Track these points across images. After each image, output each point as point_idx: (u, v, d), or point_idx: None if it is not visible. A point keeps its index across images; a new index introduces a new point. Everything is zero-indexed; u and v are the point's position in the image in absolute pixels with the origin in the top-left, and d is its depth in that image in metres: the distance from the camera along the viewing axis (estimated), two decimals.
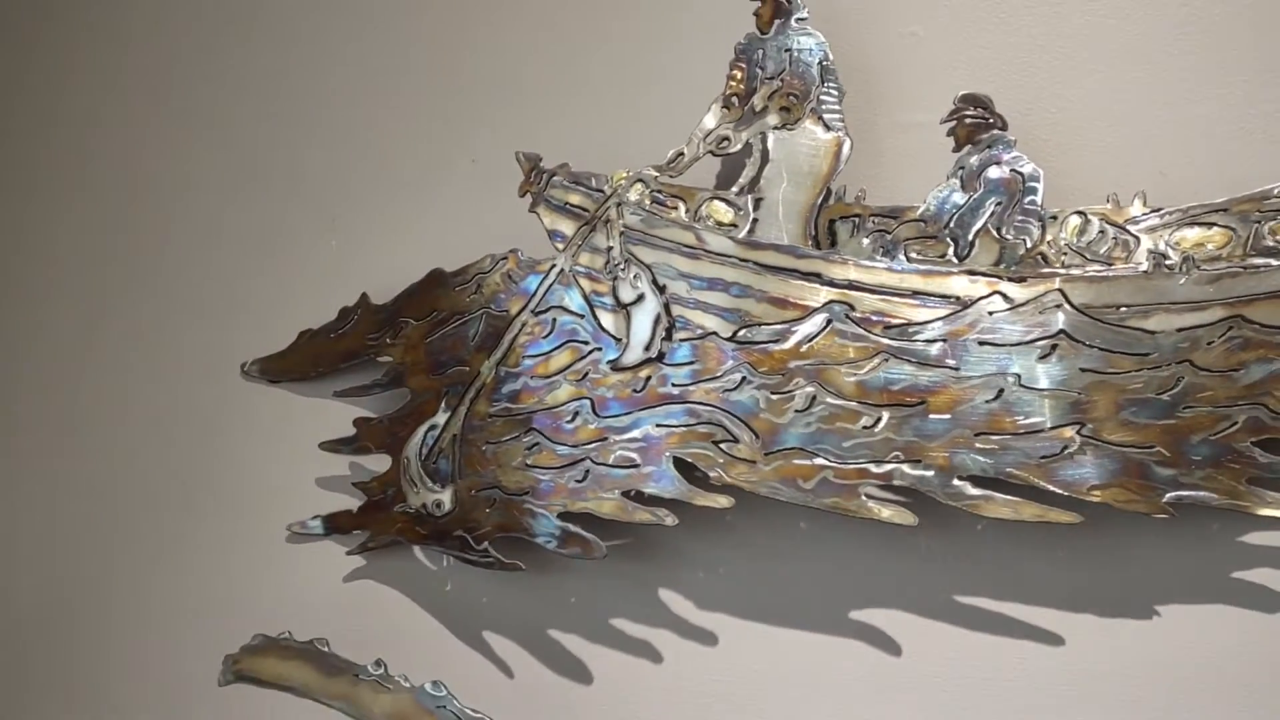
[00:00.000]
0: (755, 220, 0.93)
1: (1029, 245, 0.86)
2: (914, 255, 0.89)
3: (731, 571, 0.97)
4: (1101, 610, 0.88)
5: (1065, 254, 0.86)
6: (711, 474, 0.90)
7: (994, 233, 0.87)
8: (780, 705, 0.94)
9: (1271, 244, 0.83)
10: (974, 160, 0.89)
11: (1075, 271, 0.85)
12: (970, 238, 0.88)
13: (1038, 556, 0.89)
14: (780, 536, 0.95)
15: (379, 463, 1.07)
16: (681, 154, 0.95)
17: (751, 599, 0.96)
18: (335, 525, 1.09)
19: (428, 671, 0.97)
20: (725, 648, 0.96)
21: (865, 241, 0.91)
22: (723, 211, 0.95)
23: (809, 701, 0.93)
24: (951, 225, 0.89)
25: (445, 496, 0.99)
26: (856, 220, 0.92)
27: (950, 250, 0.88)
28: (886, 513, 0.86)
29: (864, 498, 0.87)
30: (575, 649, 1.01)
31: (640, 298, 0.93)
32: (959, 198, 0.89)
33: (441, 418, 1.00)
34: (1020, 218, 0.87)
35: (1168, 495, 0.81)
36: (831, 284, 0.89)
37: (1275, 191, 0.83)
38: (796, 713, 0.94)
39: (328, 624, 1.04)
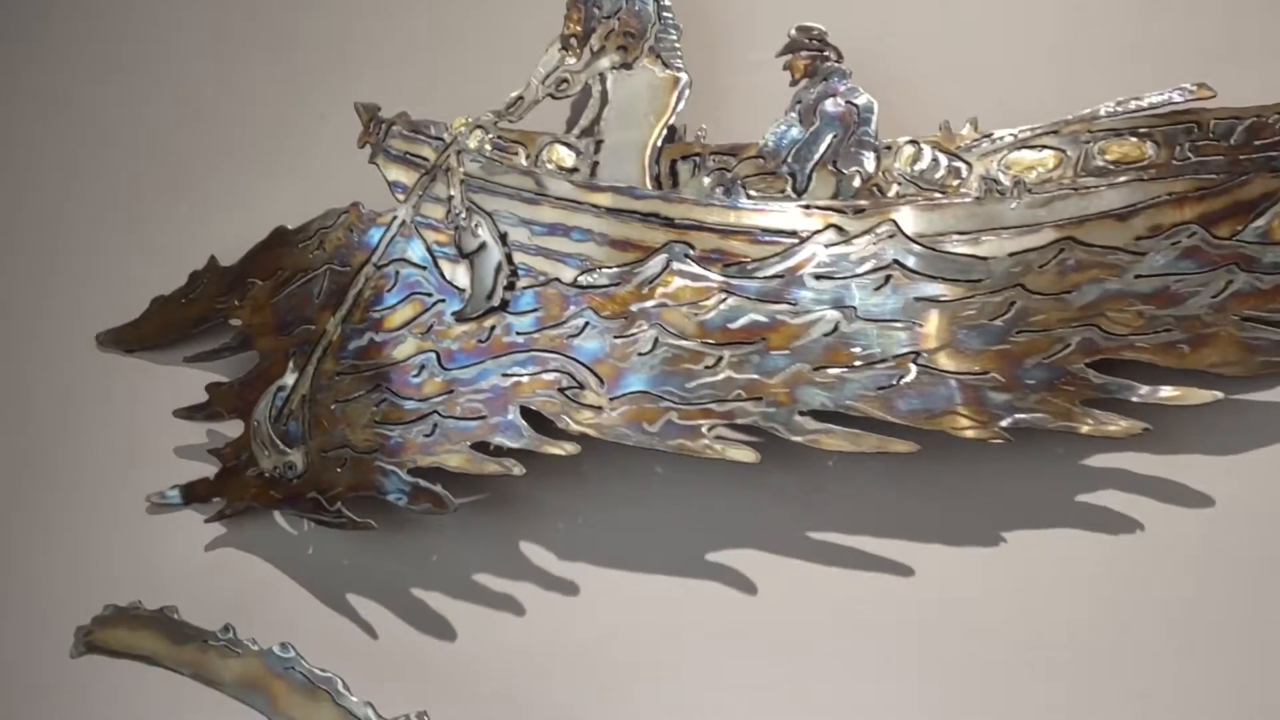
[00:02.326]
0: (596, 163, 0.91)
1: (864, 177, 0.86)
2: (753, 192, 0.88)
3: (590, 520, 0.96)
4: (950, 538, 0.88)
5: (900, 184, 0.86)
6: (559, 422, 0.89)
7: (831, 166, 0.87)
8: (642, 651, 0.93)
9: (1101, 164, 0.83)
10: (811, 94, 0.88)
11: (909, 201, 0.84)
12: (808, 172, 0.87)
13: (887, 488, 0.89)
14: (636, 483, 0.94)
15: (235, 428, 1.05)
16: (520, 98, 0.93)
17: (610, 547, 0.95)
18: (193, 494, 1.07)
19: (291, 635, 0.95)
20: (586, 597, 0.96)
21: (706, 180, 0.90)
22: (564, 155, 0.93)
23: (670, 646, 0.93)
24: (789, 160, 0.88)
25: (297, 458, 0.97)
26: (697, 159, 0.91)
27: (789, 185, 0.88)
28: (731, 452, 0.86)
29: (708, 438, 0.86)
30: (438, 606, 0.99)
31: (482, 246, 0.92)
32: (796, 132, 0.88)
33: (290, 378, 0.98)
34: (855, 150, 0.86)
35: (1003, 421, 0.81)
36: (670, 224, 0.88)
37: (1103, 112, 0.83)
38: (658, 658, 0.93)
39: (191, 593, 1.01)
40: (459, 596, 0.99)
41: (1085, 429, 0.80)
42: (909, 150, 0.86)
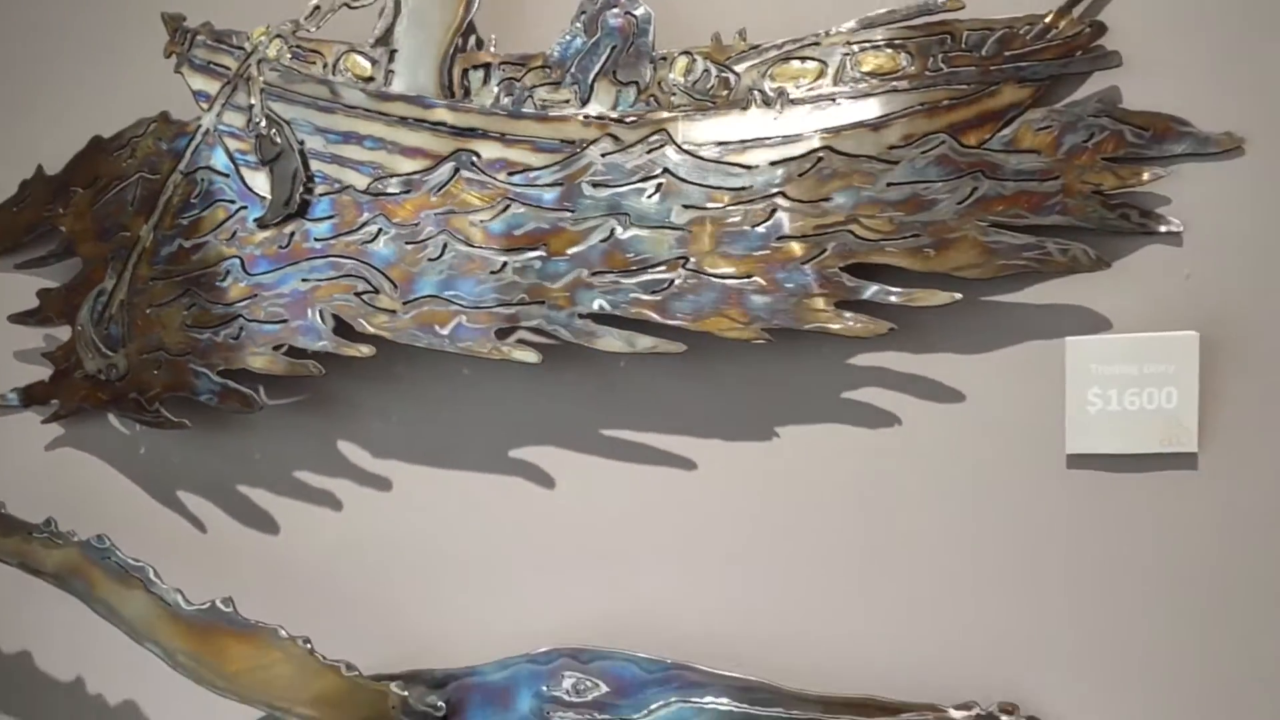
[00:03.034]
0: (390, 72, 0.94)
1: (641, 87, 0.89)
2: (539, 101, 0.91)
3: (402, 420, 1.01)
4: (729, 433, 0.93)
5: (674, 94, 0.89)
6: (355, 325, 0.93)
7: (611, 76, 0.90)
8: (450, 541, 0.99)
9: (858, 76, 0.86)
10: (594, 5, 0.90)
11: (682, 111, 0.88)
12: (589, 82, 0.90)
13: (673, 386, 0.94)
14: (444, 384, 0.99)
15: (66, 332, 1.08)
16: (318, 7, 0.95)
17: (420, 444, 1.00)
18: (31, 396, 1.10)
19: (124, 529, 1.01)
20: (398, 492, 1.01)
21: (496, 89, 0.92)
22: (361, 65, 0.95)
23: (475, 536, 0.98)
24: (573, 70, 0.90)
25: (119, 360, 1.01)
26: (488, 69, 0.93)
27: (573, 95, 0.90)
28: (515, 353, 0.90)
29: (495, 339, 0.90)
30: (262, 502, 1.04)
31: (280, 154, 0.94)
32: (580, 43, 0.90)
33: (109, 283, 1.01)
34: (634, 60, 0.89)
35: (764, 322, 0.86)
36: (457, 133, 0.91)
37: (861, 24, 0.86)
38: (465, 548, 0.99)
39: (29, 490, 1.06)
40: (281, 493, 1.04)
41: (837, 328, 0.85)
42: (683, 61, 0.88)
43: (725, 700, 0.88)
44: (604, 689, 0.90)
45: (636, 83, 0.89)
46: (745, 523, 0.93)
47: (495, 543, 0.98)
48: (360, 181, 0.92)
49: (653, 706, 0.89)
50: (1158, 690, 0.84)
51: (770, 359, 0.91)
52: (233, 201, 0.97)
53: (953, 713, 0.85)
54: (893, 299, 0.84)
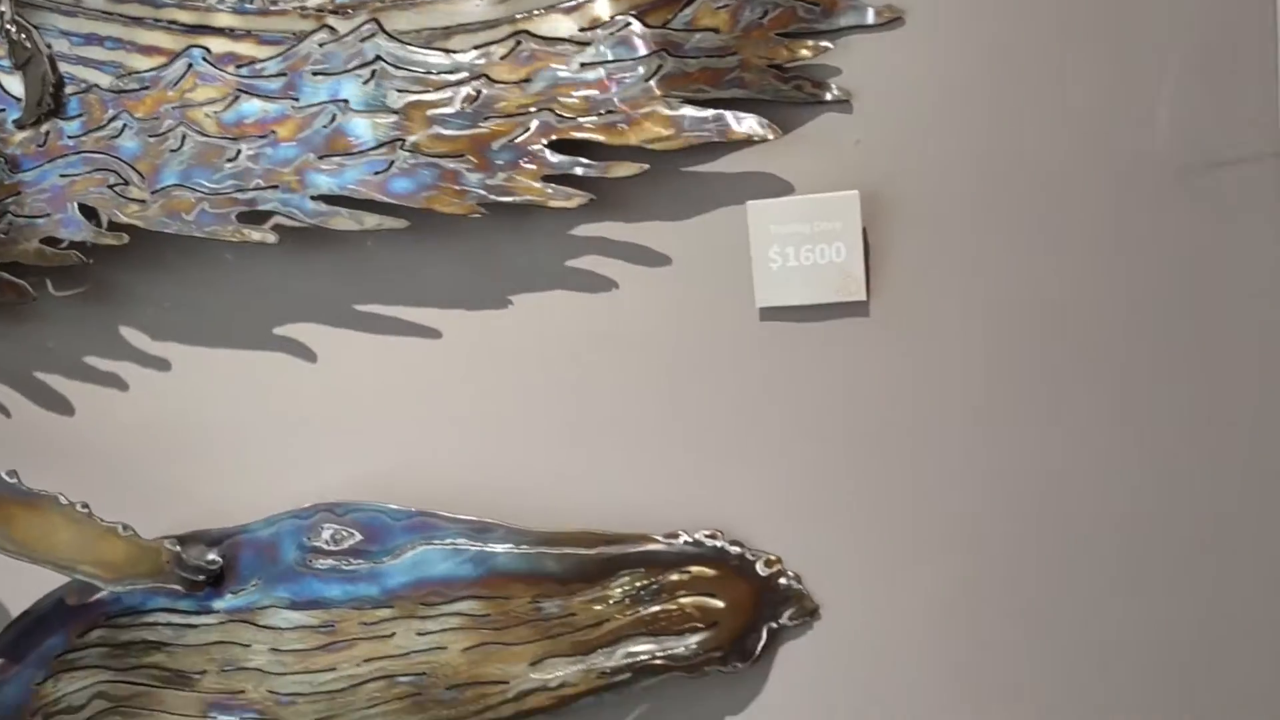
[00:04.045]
0: None
1: None
2: None
3: (176, 304, 1.07)
4: (471, 304, 1.01)
5: None
6: (110, 216, 0.99)
7: None
8: (223, 417, 1.07)
9: None
10: None
11: (391, 1, 0.93)
12: None
13: (419, 263, 1.01)
14: (211, 269, 1.05)
15: None
16: None
17: (193, 327, 1.07)
18: None
19: None
20: (177, 372, 1.08)
21: None
22: None
23: (248, 412, 1.06)
24: None
25: None
26: None
27: None
28: (254, 234, 0.97)
29: (236, 223, 0.97)
30: (58, 387, 1.11)
31: (31, 58, 0.99)
32: None
33: None
34: None
35: (480, 197, 0.93)
36: (188, 29, 0.96)
37: None
38: (237, 423, 1.07)
39: None
40: (74, 378, 1.11)
41: (543, 201, 0.93)
42: None
43: (463, 540, 0.98)
44: (358, 537, 0.99)
45: None
46: (484, 384, 1.01)
47: (264, 415, 1.06)
48: (104, 80, 0.98)
49: (400, 549, 0.98)
50: (843, 513, 0.94)
51: (502, 233, 0.98)
52: None
53: (660, 540, 0.96)
54: (591, 172, 0.91)
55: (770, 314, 0.94)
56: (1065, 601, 0.91)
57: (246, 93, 0.95)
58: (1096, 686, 0.92)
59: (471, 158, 0.93)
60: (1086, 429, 0.89)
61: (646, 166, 0.91)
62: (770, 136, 0.90)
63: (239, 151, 0.96)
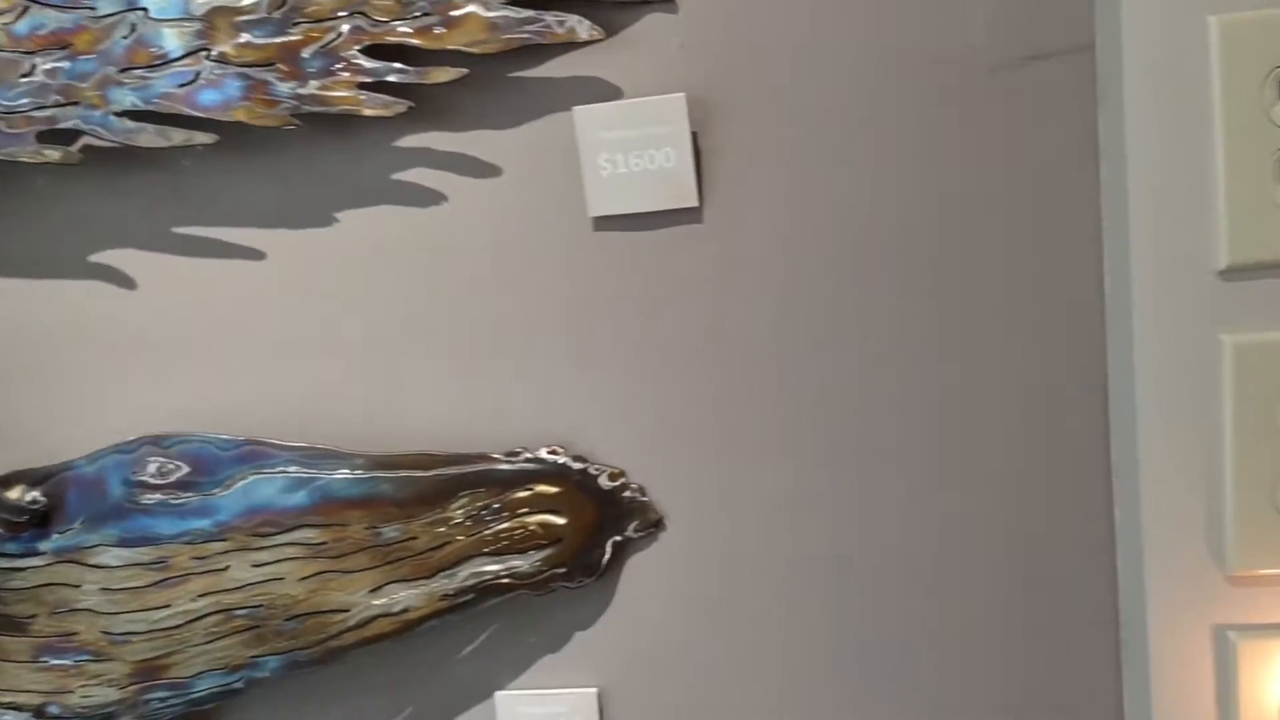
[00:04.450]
0: None
1: None
2: None
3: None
4: (294, 222, 0.97)
5: None
6: None
7: None
8: (40, 355, 1.02)
9: None
10: None
11: None
12: None
13: (241, 179, 0.96)
14: (25, 196, 0.99)
15: None
16: None
17: (14, 257, 1.01)
18: None
19: None
20: (2, 304, 1.03)
21: None
22: None
23: (64, 339, 1.01)
24: None
25: None
26: None
27: None
28: (54, 155, 0.92)
29: (35, 143, 0.91)
30: None
31: None
32: None
33: None
34: None
35: (293, 108, 0.89)
36: None
37: None
38: (61, 356, 1.02)
39: None
40: None
41: (365, 111, 0.89)
42: None
43: (295, 468, 0.94)
44: (185, 469, 0.96)
45: None
46: (311, 305, 0.97)
47: (84, 348, 1.01)
48: None
49: (230, 480, 0.95)
50: (685, 423, 0.93)
51: (323, 146, 0.94)
52: None
53: (500, 458, 0.94)
54: (408, 78, 0.88)
55: (603, 223, 0.92)
56: (904, 501, 0.92)
57: (37, 2, 0.89)
58: (930, 577, 0.93)
59: (282, 66, 0.88)
60: (910, 329, 0.89)
61: (465, 71, 0.87)
62: (594, 38, 0.87)
63: (34, 66, 0.90)
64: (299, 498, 0.94)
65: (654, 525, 0.95)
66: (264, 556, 0.95)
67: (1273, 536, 0.78)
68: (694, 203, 0.89)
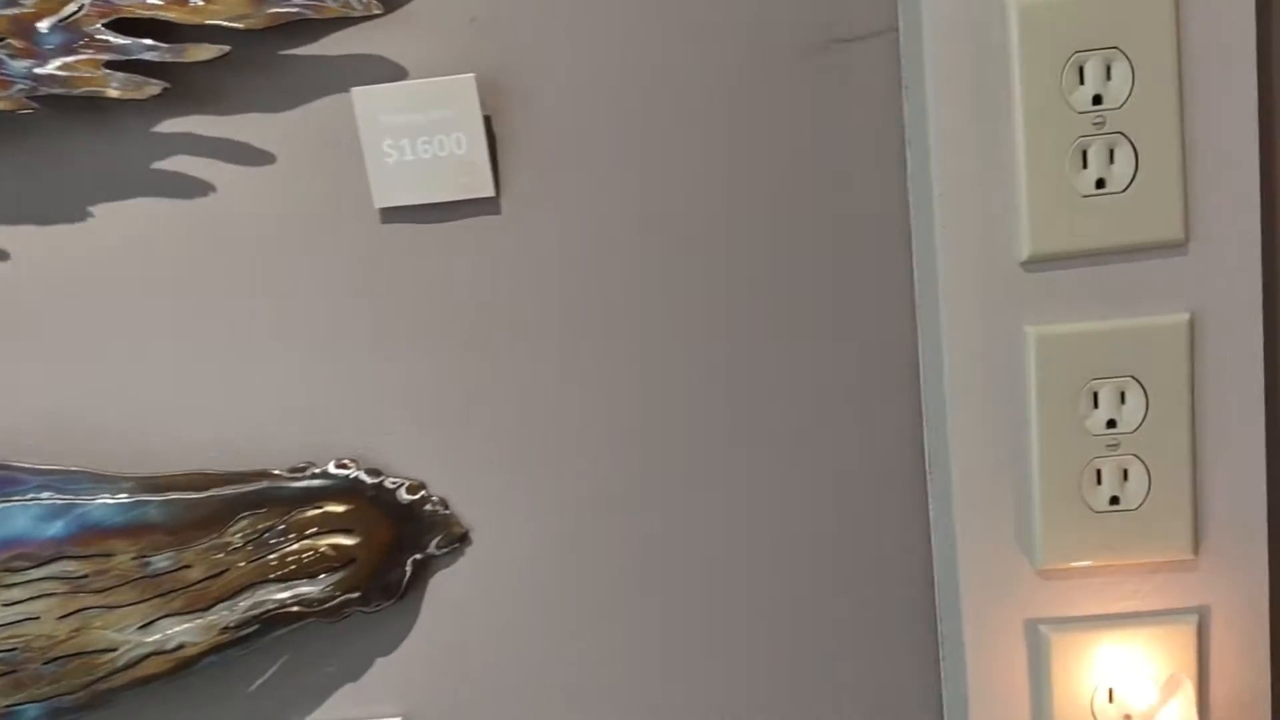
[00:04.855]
0: None
1: None
2: None
3: None
4: (40, 217, 0.86)
5: None
6: None
7: None
8: None
9: None
10: None
11: None
12: None
13: None
14: None
15: None
16: None
17: None
18: None
19: None
20: None
21: None
22: None
23: None
24: None
25: None
26: None
27: None
28: None
29: None
30: None
31: None
32: None
33: None
34: None
35: (29, 89, 0.79)
36: None
37: None
38: None
39: None
40: None
41: (112, 93, 0.79)
42: None
43: (48, 494, 0.84)
44: None
45: None
46: (65, 311, 0.87)
47: None
48: None
49: None
50: (487, 429, 0.87)
51: (73, 133, 0.84)
52: None
53: (283, 475, 0.86)
54: (164, 56, 0.78)
55: (392, 215, 0.85)
56: (713, 502, 0.88)
57: None
58: (744, 578, 0.90)
59: (14, 42, 0.78)
60: (716, 322, 0.85)
61: (228, 49, 0.79)
62: (373, 13, 0.79)
63: None
64: (55, 528, 0.84)
65: (458, 540, 0.88)
66: (16, 594, 0.84)
67: (1081, 529, 0.77)
68: (490, 192, 0.83)
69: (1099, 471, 0.76)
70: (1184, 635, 0.79)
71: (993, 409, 0.78)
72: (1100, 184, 0.72)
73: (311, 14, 0.79)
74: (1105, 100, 0.71)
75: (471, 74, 0.81)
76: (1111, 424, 0.76)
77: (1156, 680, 0.79)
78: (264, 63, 0.82)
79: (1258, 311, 0.74)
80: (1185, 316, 0.74)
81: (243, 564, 0.85)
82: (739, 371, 0.86)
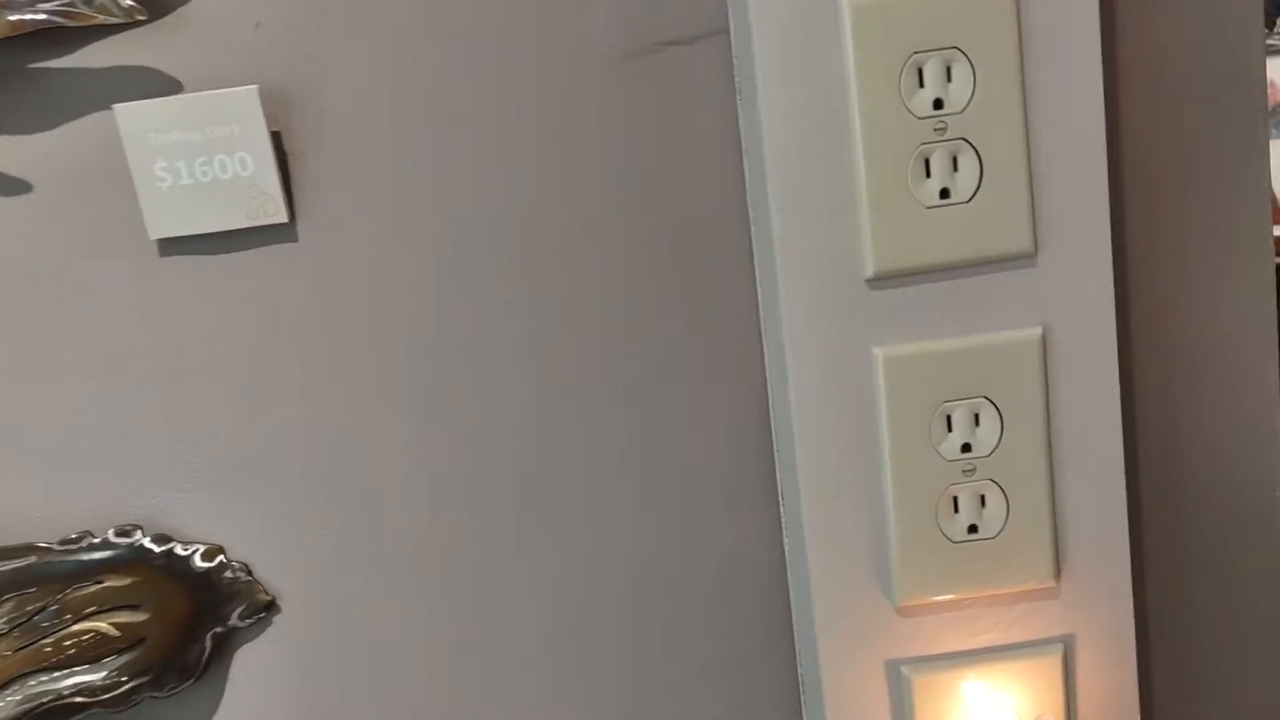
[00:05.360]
0: None
1: None
2: None
3: None
4: None
5: None
6: None
7: None
8: None
9: None
10: None
11: None
12: None
13: None
14: None
15: None
16: None
17: None
18: None
19: None
20: None
21: None
22: None
23: None
24: None
25: None
26: None
27: None
28: None
29: None
30: None
31: None
32: None
33: None
34: None
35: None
36: None
37: None
38: None
39: None
40: None
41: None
42: None
43: None
44: None
45: None
46: None
47: None
48: None
49: None
50: (290, 483, 0.78)
51: None
52: None
53: (55, 547, 0.75)
54: None
55: (171, 246, 0.75)
56: (556, 544, 0.80)
57: None
58: (598, 626, 0.82)
59: None
60: (547, 350, 0.78)
61: None
62: (137, 19, 0.70)
63: None
64: None
65: (264, 609, 0.79)
66: None
67: (939, 561, 0.72)
68: (283, 218, 0.74)
69: (955, 499, 0.72)
70: (1049, 666, 0.75)
71: (843, 436, 0.72)
72: (945, 194, 0.67)
73: (64, 21, 0.68)
74: (946, 104, 0.66)
75: (255, 85, 0.72)
76: (966, 448, 0.71)
77: (1022, 717, 0.74)
78: (13, 76, 0.72)
79: (1111, 323, 0.70)
80: (1037, 331, 0.70)
81: (9, 653, 0.74)
82: (572, 405, 0.78)
